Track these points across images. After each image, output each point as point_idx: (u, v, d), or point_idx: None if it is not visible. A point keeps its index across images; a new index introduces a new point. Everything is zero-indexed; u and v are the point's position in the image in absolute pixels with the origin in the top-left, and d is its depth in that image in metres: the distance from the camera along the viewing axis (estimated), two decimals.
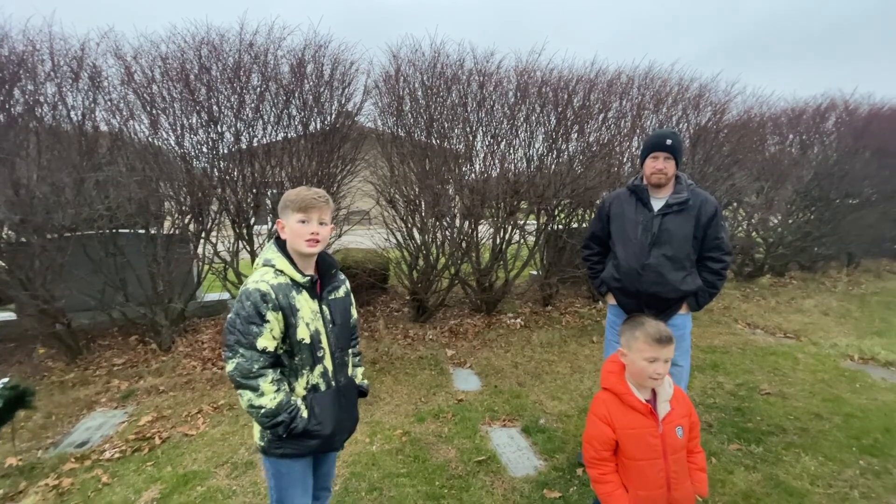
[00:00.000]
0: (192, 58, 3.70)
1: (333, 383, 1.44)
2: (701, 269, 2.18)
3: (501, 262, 4.83)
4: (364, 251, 5.32)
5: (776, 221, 6.96)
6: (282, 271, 1.35)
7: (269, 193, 4.25)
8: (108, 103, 3.71)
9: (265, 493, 2.22)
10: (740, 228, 6.77)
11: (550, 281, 5.15)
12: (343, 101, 4.30)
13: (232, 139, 3.94)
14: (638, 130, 4.95)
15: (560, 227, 5.12)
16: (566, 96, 4.48)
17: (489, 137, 4.52)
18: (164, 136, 3.86)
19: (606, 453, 1.45)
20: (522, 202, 4.73)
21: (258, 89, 3.88)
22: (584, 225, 5.20)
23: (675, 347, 2.23)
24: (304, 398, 1.39)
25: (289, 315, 1.32)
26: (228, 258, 4.16)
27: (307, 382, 1.39)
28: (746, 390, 3.33)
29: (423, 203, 4.45)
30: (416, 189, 4.42)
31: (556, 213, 4.94)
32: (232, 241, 4.18)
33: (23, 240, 3.45)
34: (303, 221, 1.34)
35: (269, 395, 1.30)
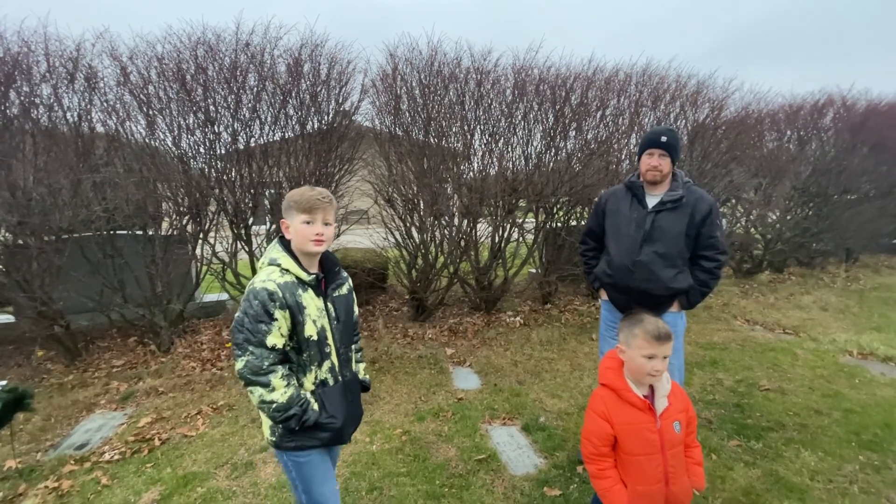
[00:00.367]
0: (189, 58, 3.69)
1: (340, 378, 1.48)
2: (694, 267, 2.17)
3: (500, 261, 4.83)
4: (363, 250, 5.31)
5: (774, 218, 6.97)
6: (287, 270, 1.37)
7: (266, 194, 4.24)
8: (105, 104, 3.70)
9: (265, 494, 2.22)
10: (739, 225, 6.78)
11: (549, 279, 5.15)
12: (340, 101, 4.29)
13: (229, 139, 3.93)
14: (636, 127, 4.94)
15: (559, 224, 5.12)
16: (564, 94, 4.48)
17: (487, 136, 4.51)
18: (161, 136, 3.86)
19: (605, 449, 1.46)
20: (521, 200, 4.73)
21: (255, 89, 3.87)
22: (582, 223, 5.20)
23: None
24: (312, 393, 1.41)
25: (296, 313, 1.34)
26: (227, 259, 4.15)
27: (315, 378, 1.42)
28: (746, 386, 3.33)
29: (421, 202, 4.44)
30: (415, 188, 4.41)
31: (555, 210, 4.93)
32: (230, 241, 4.18)
33: (20, 242, 3.43)
34: (308, 222, 1.36)
35: (280, 389, 1.32)
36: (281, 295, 1.31)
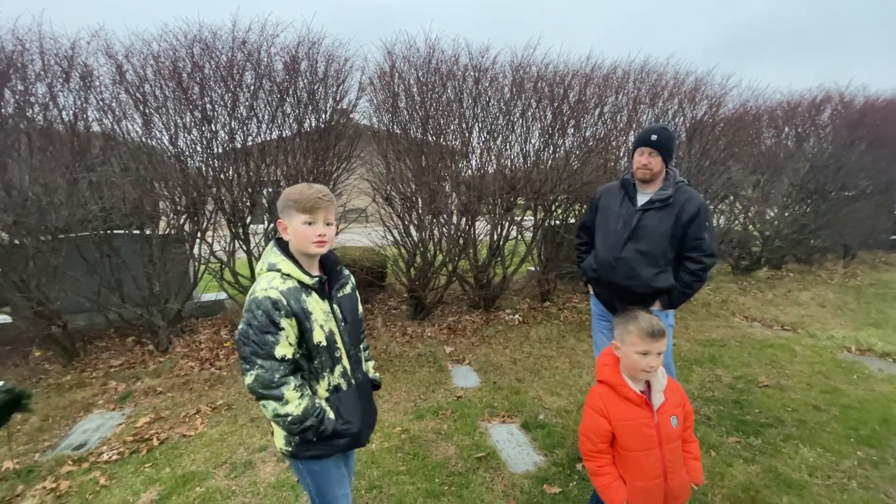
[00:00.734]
0: (185, 56, 3.67)
1: (353, 381, 1.43)
2: (679, 268, 2.16)
3: (499, 259, 4.83)
4: (361, 249, 5.30)
5: (773, 214, 6.98)
6: (289, 275, 1.29)
7: (264, 192, 4.23)
8: (100, 103, 3.68)
9: (264, 493, 2.22)
10: (737, 222, 6.78)
11: (548, 276, 5.15)
12: (338, 99, 4.27)
13: (226, 138, 3.91)
14: (634, 125, 4.94)
15: (557, 222, 5.12)
16: (562, 91, 4.47)
17: (485, 133, 4.50)
18: (158, 135, 3.84)
19: (603, 445, 1.46)
20: (519, 198, 4.72)
21: (252, 87, 3.86)
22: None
23: None
24: (326, 400, 1.36)
25: (303, 320, 1.28)
26: (225, 258, 4.14)
27: (329, 384, 1.37)
28: (744, 383, 3.34)
29: (419, 200, 4.43)
30: (413, 186, 4.40)
31: (553, 208, 4.93)
32: (228, 240, 4.16)
33: (16, 242, 3.41)
34: (309, 223, 1.29)
35: (294, 401, 1.26)
36: (286, 303, 1.25)
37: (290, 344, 1.27)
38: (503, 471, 2.36)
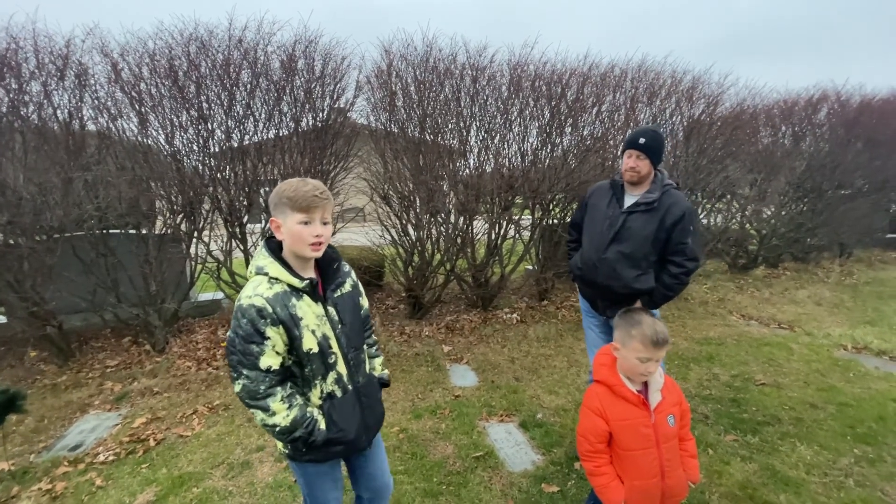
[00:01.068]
0: (181, 54, 3.65)
1: (351, 386, 1.36)
2: (661, 270, 2.17)
3: (497, 258, 4.83)
4: (359, 248, 5.29)
5: (769, 213, 7.00)
6: (277, 279, 1.23)
7: (261, 192, 4.21)
8: (96, 101, 3.65)
9: (262, 494, 2.21)
10: (734, 220, 6.80)
11: (546, 275, 5.15)
12: (335, 97, 4.26)
13: (223, 137, 3.89)
14: (632, 123, 4.94)
15: (555, 221, 5.12)
16: (560, 90, 4.47)
17: (483, 132, 4.49)
18: (154, 134, 3.82)
19: (601, 445, 1.46)
20: (517, 197, 4.72)
21: (248, 86, 3.84)
22: None
23: None
24: (320, 407, 1.31)
25: (291, 327, 1.21)
26: (222, 257, 4.12)
27: (321, 392, 1.31)
28: (742, 381, 3.34)
29: (417, 199, 4.42)
30: (411, 185, 4.39)
31: (551, 207, 4.93)
32: (225, 240, 4.14)
33: (10, 242, 3.39)
34: (305, 223, 1.21)
35: (282, 413, 1.22)
36: (271, 310, 1.18)
37: (277, 353, 1.22)
38: (501, 470, 2.36)
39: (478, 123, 4.47)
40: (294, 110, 4.04)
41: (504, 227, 4.69)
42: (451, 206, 4.66)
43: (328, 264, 1.36)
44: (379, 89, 4.37)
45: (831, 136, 6.80)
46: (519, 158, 4.68)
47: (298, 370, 1.29)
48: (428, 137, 4.33)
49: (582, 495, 2.13)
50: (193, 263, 4.18)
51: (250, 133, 3.99)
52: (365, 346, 1.51)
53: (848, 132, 6.69)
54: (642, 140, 2.08)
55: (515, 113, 4.51)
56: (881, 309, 5.18)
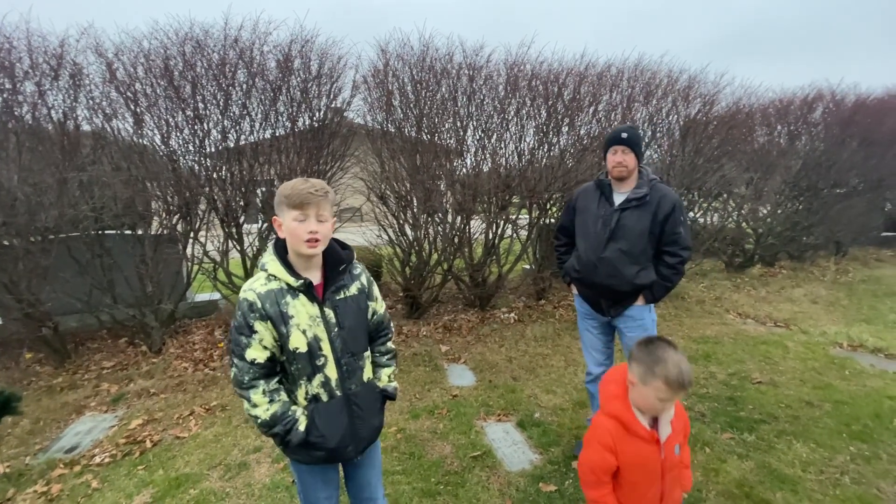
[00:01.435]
0: (176, 54, 3.63)
1: (339, 392, 1.33)
2: (658, 262, 2.21)
3: (494, 257, 4.83)
4: (356, 248, 5.27)
5: (766, 212, 7.02)
6: (274, 276, 1.26)
7: (258, 192, 4.20)
8: (90, 101, 3.63)
9: (259, 495, 2.21)
10: (730, 219, 6.83)
11: (543, 275, 5.15)
12: (332, 97, 4.25)
13: (219, 137, 3.88)
14: (629, 123, 4.95)
15: (552, 220, 5.12)
16: (556, 89, 4.47)
17: (480, 132, 4.49)
18: (150, 134, 3.80)
19: (606, 478, 1.40)
20: (514, 197, 4.72)
21: (244, 85, 3.83)
22: None
23: (643, 335, 2.28)
24: (305, 408, 1.32)
25: (279, 324, 1.24)
26: (218, 258, 4.11)
27: (306, 393, 1.31)
28: (738, 379, 3.36)
29: (414, 199, 4.42)
30: (408, 185, 4.39)
31: (548, 206, 4.93)
32: (221, 240, 4.13)
33: (5, 242, 3.37)
34: (300, 220, 1.22)
35: (262, 406, 1.25)
36: (260, 305, 1.22)
37: (264, 347, 1.25)
38: (499, 469, 2.36)
39: (475, 123, 4.47)
40: (290, 110, 4.03)
41: (501, 226, 4.69)
42: (448, 206, 4.66)
43: (334, 265, 1.35)
44: (375, 89, 4.36)
45: (827, 135, 6.83)
46: (516, 158, 4.68)
47: (288, 367, 1.31)
48: (425, 137, 4.33)
49: (579, 494, 2.13)
50: (190, 264, 4.17)
51: (246, 133, 3.98)
52: (372, 354, 1.49)
53: (843, 131, 6.72)
54: (624, 135, 2.13)
55: (512, 112, 4.51)
56: (877, 307, 5.20)
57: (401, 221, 4.51)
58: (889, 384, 3.21)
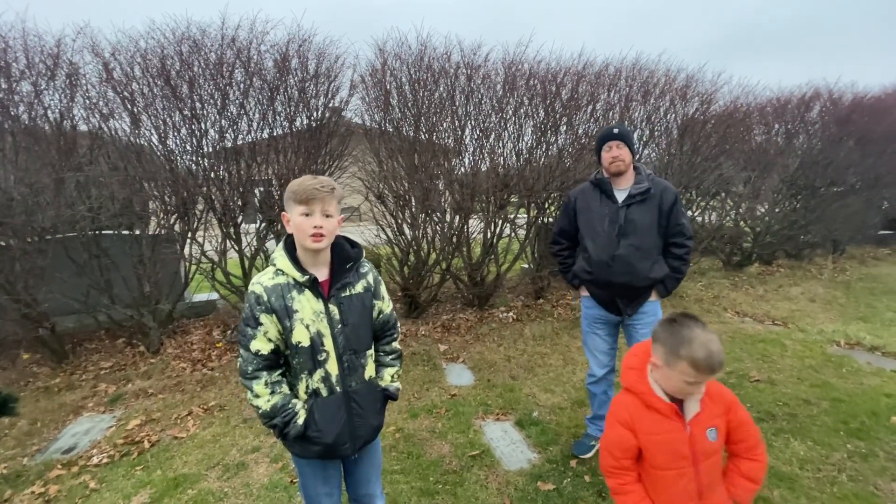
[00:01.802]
0: (173, 54, 3.61)
1: (339, 388, 1.35)
2: (666, 255, 2.23)
3: (493, 257, 4.83)
4: None
5: (763, 210, 7.04)
6: (282, 270, 1.30)
7: (256, 192, 4.19)
8: (87, 101, 3.61)
9: (257, 495, 2.20)
10: (728, 218, 6.84)
11: (542, 274, 5.16)
12: (329, 96, 4.24)
13: (216, 137, 3.87)
14: (626, 122, 4.95)
15: (550, 220, 5.12)
16: (554, 88, 4.47)
17: (478, 131, 4.49)
18: (147, 134, 3.79)
19: (627, 462, 1.28)
20: (512, 196, 4.72)
21: (242, 85, 3.81)
22: None
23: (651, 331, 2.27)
24: (305, 402, 1.35)
25: (283, 318, 1.27)
26: (216, 258, 4.10)
27: (307, 387, 1.33)
28: (736, 378, 3.36)
29: (412, 198, 4.41)
30: (406, 184, 4.38)
31: (547, 206, 4.93)
32: (219, 240, 4.12)
33: (2, 243, 3.36)
34: (306, 214, 1.26)
35: (264, 397, 1.29)
36: (266, 298, 1.26)
37: (268, 340, 1.29)
38: (497, 468, 2.36)
39: (473, 122, 4.46)
40: (288, 109, 4.02)
41: (500, 225, 4.69)
42: (446, 205, 4.66)
43: (341, 263, 1.37)
44: (373, 88, 4.36)
45: (824, 134, 6.84)
46: (514, 157, 4.68)
47: (291, 361, 1.34)
48: (423, 136, 4.32)
49: (578, 493, 2.14)
50: (188, 264, 4.16)
51: (244, 133, 3.97)
52: (377, 353, 1.50)
53: (840, 130, 6.74)
54: (616, 130, 2.16)
55: (510, 112, 4.51)
56: (874, 305, 5.22)
57: (399, 221, 4.51)
58: (886, 382, 3.22)
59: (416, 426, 2.78)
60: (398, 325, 1.59)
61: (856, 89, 7.00)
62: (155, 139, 3.77)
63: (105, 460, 2.51)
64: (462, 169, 4.70)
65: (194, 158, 3.94)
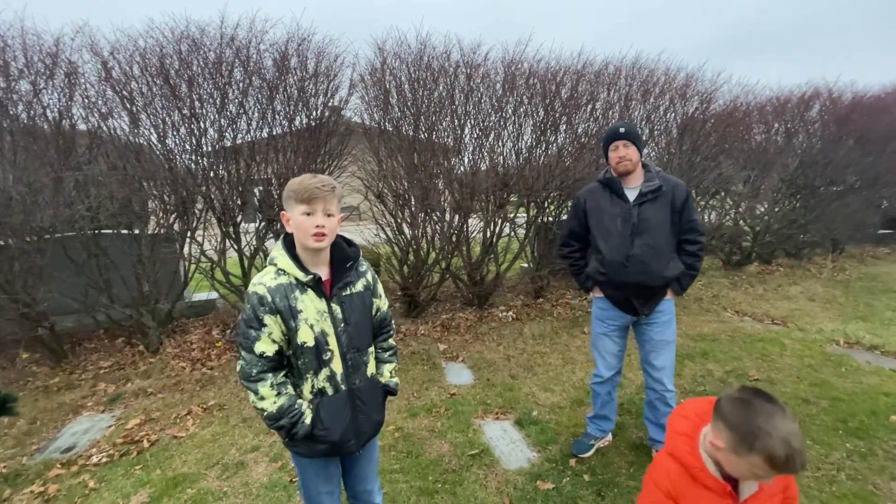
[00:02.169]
0: (172, 53, 3.61)
1: (344, 386, 1.36)
2: (679, 252, 2.21)
3: (492, 256, 4.83)
4: None
5: (763, 210, 7.04)
6: (284, 270, 1.28)
7: (255, 191, 4.18)
8: (86, 100, 3.61)
9: (257, 494, 2.20)
10: (728, 217, 6.84)
11: (541, 273, 5.16)
12: (329, 95, 4.23)
13: (216, 136, 3.86)
14: (626, 121, 4.95)
15: (550, 219, 5.12)
16: (554, 87, 4.46)
17: (478, 130, 4.49)
18: (146, 133, 3.78)
19: None
20: (512, 195, 4.72)
21: (241, 84, 3.81)
22: None
23: (666, 330, 2.23)
24: (310, 401, 1.34)
25: (288, 318, 1.26)
26: (215, 257, 4.10)
27: (312, 386, 1.33)
28: (736, 377, 3.36)
29: (412, 197, 4.41)
30: (405, 183, 4.38)
31: (546, 205, 4.93)
32: (218, 239, 4.12)
33: (0, 242, 3.35)
34: (307, 213, 1.25)
35: (270, 399, 1.27)
36: (270, 299, 1.24)
37: (273, 341, 1.27)
38: (497, 468, 2.36)
39: (472, 121, 4.46)
40: (287, 109, 4.01)
41: (499, 225, 4.69)
42: (445, 205, 4.66)
43: (341, 262, 1.37)
44: (373, 87, 4.35)
45: (823, 133, 6.85)
46: (514, 156, 4.67)
47: (294, 361, 1.33)
48: (422, 135, 4.32)
49: (577, 492, 2.14)
50: (187, 263, 4.16)
51: (243, 132, 3.96)
52: (375, 350, 1.51)
53: (840, 129, 6.74)
54: (623, 129, 2.13)
55: (510, 111, 4.51)
56: (873, 304, 5.22)
57: (398, 220, 4.50)
58: (885, 381, 3.22)
59: (416, 425, 2.78)
60: (392, 321, 1.61)
61: (855, 88, 7.01)
62: (154, 138, 3.77)
63: (104, 460, 2.51)
64: (461, 168, 4.70)
65: (193, 158, 3.94)
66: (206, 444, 2.64)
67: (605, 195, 2.23)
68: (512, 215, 4.87)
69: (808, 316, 4.81)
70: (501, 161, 4.64)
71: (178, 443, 2.67)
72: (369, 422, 1.44)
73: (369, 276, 1.46)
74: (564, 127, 4.71)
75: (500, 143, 4.60)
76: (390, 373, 1.55)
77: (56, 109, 3.55)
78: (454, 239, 4.56)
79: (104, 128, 3.68)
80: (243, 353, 1.27)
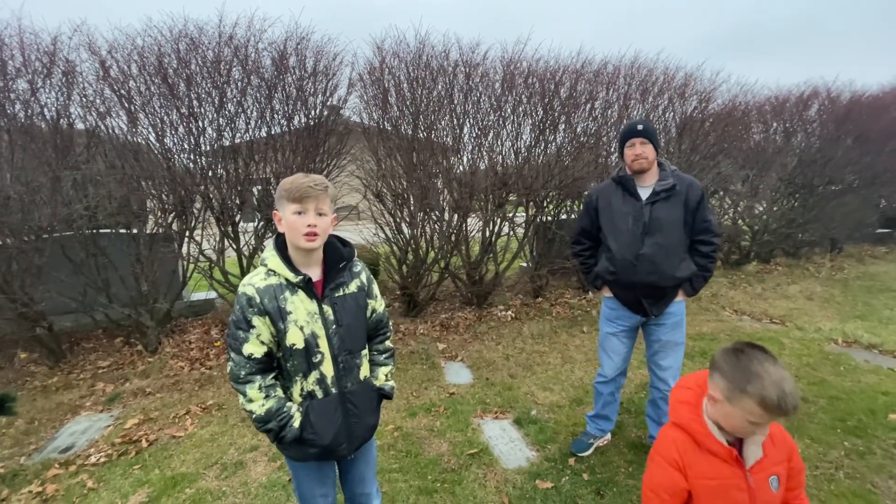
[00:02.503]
0: (170, 52, 3.60)
1: (335, 390, 1.33)
2: (692, 253, 2.17)
3: (491, 255, 4.83)
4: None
5: (761, 209, 7.05)
6: (274, 271, 1.25)
7: (254, 190, 4.18)
8: (84, 99, 3.59)
9: (255, 494, 2.20)
10: (726, 216, 6.85)
11: (540, 272, 5.16)
12: (327, 94, 4.23)
13: (214, 135, 3.86)
14: (625, 120, 4.95)
15: (549, 218, 5.13)
16: (553, 87, 4.46)
17: (476, 129, 4.49)
18: (144, 132, 3.77)
19: None
20: (511, 194, 4.72)
21: (240, 83, 3.80)
22: (573, 216, 5.21)
23: (675, 332, 2.21)
24: (300, 404, 1.31)
25: (277, 320, 1.23)
26: (214, 257, 4.09)
27: (302, 389, 1.30)
28: None
29: (411, 197, 4.41)
30: (404, 183, 4.37)
31: (545, 204, 4.93)
32: (217, 239, 4.11)
33: None
34: (299, 213, 1.22)
35: (258, 401, 1.25)
36: (259, 300, 1.22)
37: (261, 342, 1.25)
38: (496, 467, 2.36)
39: (471, 120, 4.46)
40: (286, 108, 4.01)
41: (498, 224, 4.69)
42: (444, 204, 4.65)
43: (335, 262, 1.35)
44: (371, 86, 4.34)
45: (822, 133, 6.86)
46: (512, 155, 4.68)
47: (284, 363, 1.30)
48: (421, 135, 4.31)
49: (576, 491, 2.14)
50: (185, 263, 4.15)
51: (242, 131, 3.96)
52: (371, 352, 1.48)
53: (838, 128, 6.75)
54: (641, 127, 2.09)
55: (509, 110, 4.50)
56: (871, 303, 5.23)
57: (397, 219, 4.50)
58: (883, 380, 3.23)
59: (415, 425, 2.78)
60: (390, 323, 1.58)
61: (854, 88, 7.03)
62: (152, 137, 3.76)
63: (103, 459, 2.50)
64: (460, 167, 4.70)
65: (192, 157, 3.93)
66: (204, 444, 2.64)
67: (617, 193, 2.20)
68: (511, 214, 4.87)
69: (806, 315, 4.82)
70: (500, 160, 4.64)
71: (176, 442, 2.67)
72: (362, 426, 1.41)
73: (364, 276, 1.42)
74: (563, 126, 4.71)
75: (498, 143, 4.60)
76: (385, 376, 1.50)
77: (54, 108, 3.53)
78: (453, 238, 4.56)
79: (102, 127, 3.66)
80: (232, 354, 1.25)
